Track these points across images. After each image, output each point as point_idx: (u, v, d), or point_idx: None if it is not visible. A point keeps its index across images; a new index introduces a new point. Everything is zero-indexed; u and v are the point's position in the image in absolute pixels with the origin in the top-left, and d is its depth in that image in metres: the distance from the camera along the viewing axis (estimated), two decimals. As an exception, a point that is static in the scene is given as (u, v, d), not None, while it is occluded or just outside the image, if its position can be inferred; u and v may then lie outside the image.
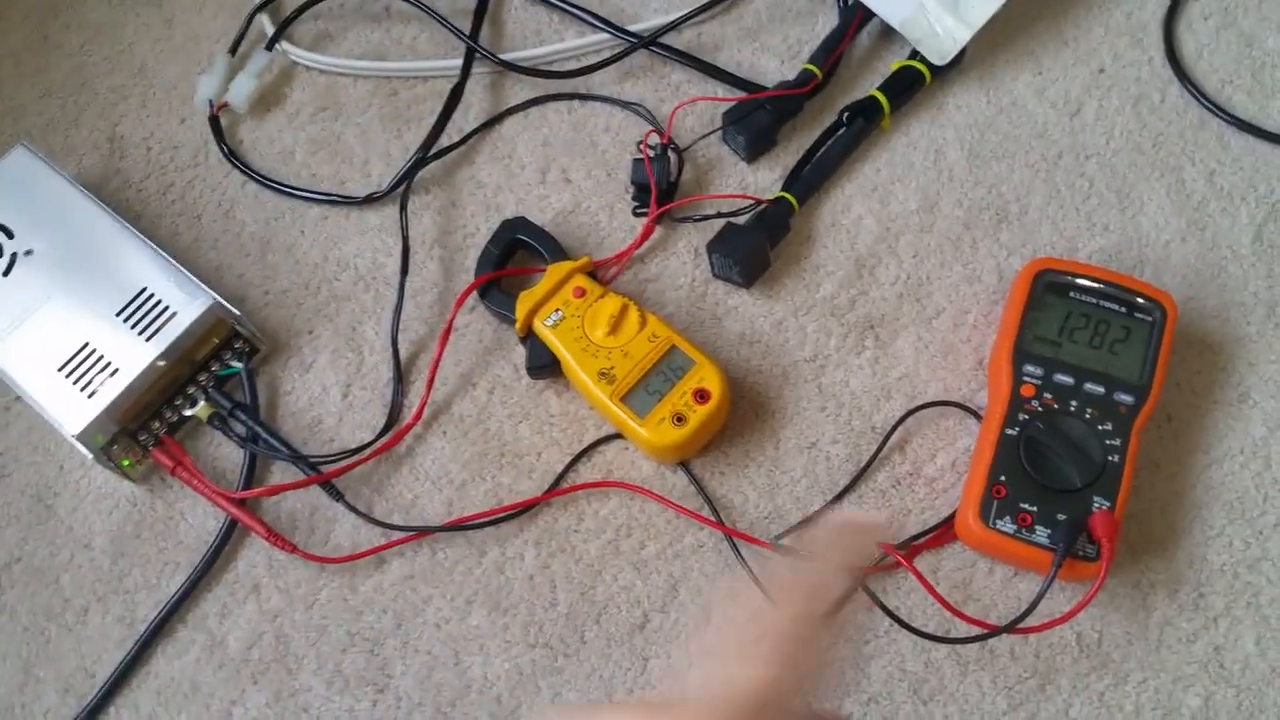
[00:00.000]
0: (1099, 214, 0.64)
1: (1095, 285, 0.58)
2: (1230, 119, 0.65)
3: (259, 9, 0.72)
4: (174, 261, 0.61)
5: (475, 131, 0.69)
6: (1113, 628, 0.54)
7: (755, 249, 0.62)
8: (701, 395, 0.57)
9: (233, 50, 0.71)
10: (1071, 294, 0.58)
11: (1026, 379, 0.56)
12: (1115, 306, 0.57)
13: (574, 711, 0.43)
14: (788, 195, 0.64)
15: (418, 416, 0.60)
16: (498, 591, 0.56)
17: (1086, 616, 0.53)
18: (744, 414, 0.60)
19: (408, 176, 0.66)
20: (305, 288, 0.65)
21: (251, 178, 0.68)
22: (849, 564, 0.39)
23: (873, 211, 0.65)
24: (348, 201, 0.67)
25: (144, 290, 0.60)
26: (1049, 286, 0.58)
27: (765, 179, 0.66)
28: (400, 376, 0.61)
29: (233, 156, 0.68)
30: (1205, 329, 0.60)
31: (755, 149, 0.67)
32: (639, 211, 0.66)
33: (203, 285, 0.60)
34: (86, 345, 0.59)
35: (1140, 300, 0.57)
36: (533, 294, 0.60)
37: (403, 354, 0.62)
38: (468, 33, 0.70)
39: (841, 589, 0.40)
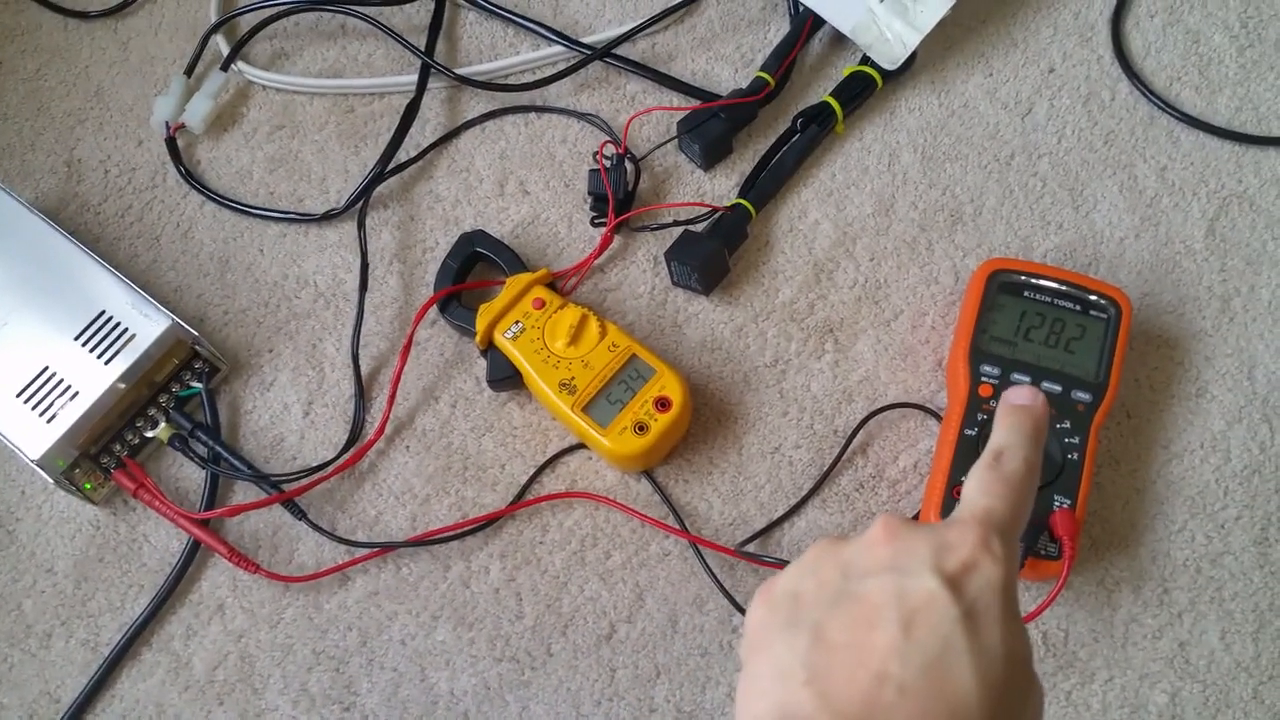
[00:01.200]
0: (1053, 213, 0.63)
1: (1049, 284, 0.57)
2: (1179, 115, 0.65)
3: (213, 30, 0.70)
4: (132, 284, 0.59)
5: (432, 146, 0.68)
6: (1078, 626, 0.53)
7: (713, 256, 0.61)
8: (663, 403, 0.56)
9: (188, 71, 0.70)
10: (1026, 293, 0.57)
11: (984, 379, 0.55)
12: (1069, 305, 0.57)
13: None
14: (744, 202, 0.63)
15: (380, 432, 0.58)
16: (463, 606, 0.55)
17: (1051, 615, 0.53)
18: (706, 421, 0.59)
19: (365, 192, 0.65)
20: (265, 306, 0.64)
21: (209, 198, 0.66)
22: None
23: (829, 216, 0.64)
24: (306, 219, 0.66)
25: (103, 313, 0.59)
26: (1003, 286, 0.57)
27: (722, 186, 0.66)
28: (362, 392, 0.60)
29: (190, 177, 0.67)
30: (1161, 324, 0.60)
31: (711, 157, 0.66)
32: (597, 222, 0.65)
33: (161, 307, 0.58)
34: (46, 369, 0.57)
35: (1094, 298, 0.56)
36: (492, 307, 0.59)
37: (364, 369, 0.61)
38: (423, 48, 0.69)
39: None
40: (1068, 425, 0.53)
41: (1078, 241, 0.62)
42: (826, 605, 0.32)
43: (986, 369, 0.55)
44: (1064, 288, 0.57)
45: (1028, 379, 0.55)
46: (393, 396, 0.59)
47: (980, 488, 0.35)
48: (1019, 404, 0.39)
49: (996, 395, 0.54)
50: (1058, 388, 0.54)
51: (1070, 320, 0.56)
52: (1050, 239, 0.63)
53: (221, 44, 0.71)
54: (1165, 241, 0.62)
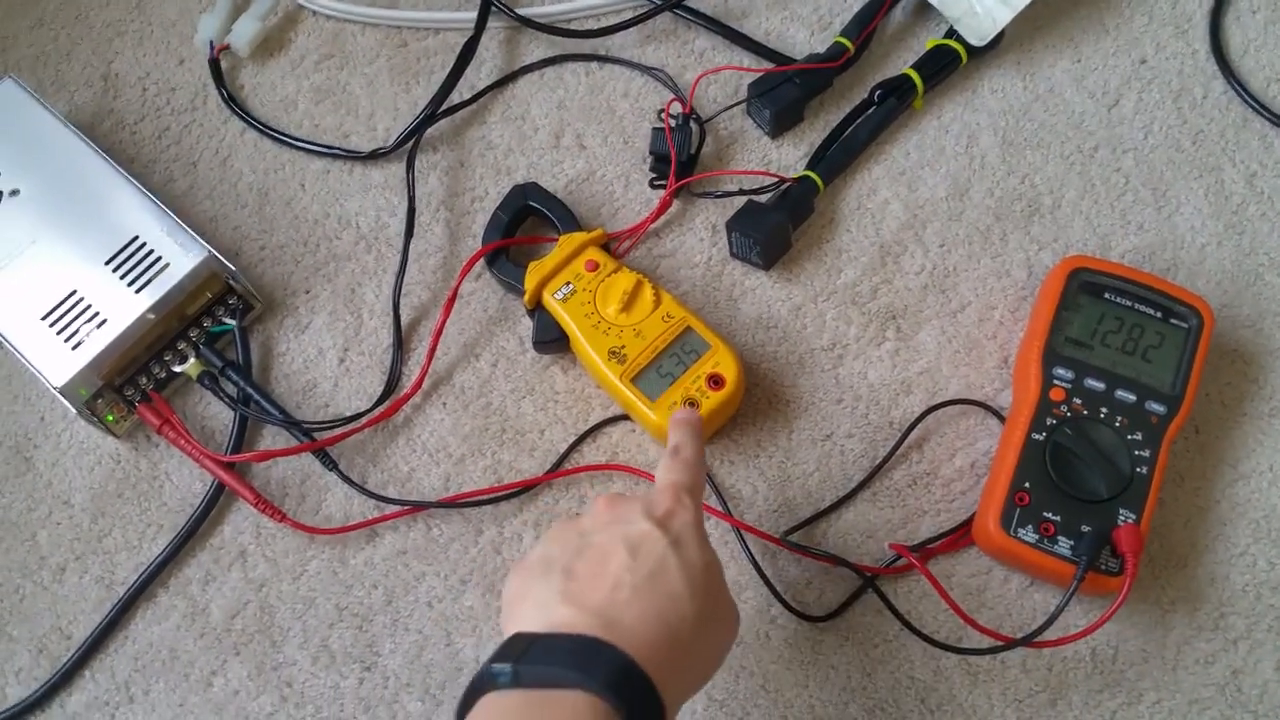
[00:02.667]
0: (1134, 212, 0.60)
1: (1132, 287, 0.54)
2: (1275, 119, 0.62)
3: (267, -54, 0.67)
4: (168, 210, 0.57)
5: (488, 89, 0.64)
6: (1129, 645, 0.51)
7: (777, 230, 0.58)
8: (716, 381, 0.54)
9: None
10: (1106, 295, 0.54)
11: (1057, 382, 0.52)
12: (1151, 311, 0.54)
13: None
14: (813, 174, 0.60)
15: (417, 386, 0.56)
16: (493, 572, 0.53)
17: (1102, 632, 0.50)
18: (757, 402, 0.56)
19: (416, 133, 0.62)
20: (304, 244, 0.61)
21: (251, 126, 0.63)
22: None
23: (900, 196, 0.61)
24: (352, 156, 0.63)
25: (136, 239, 0.56)
26: (1083, 286, 0.55)
27: (789, 155, 0.63)
28: (400, 343, 0.58)
29: (232, 102, 0.64)
30: (1238, 338, 0.57)
31: (781, 124, 0.63)
32: (656, 184, 0.62)
33: (198, 237, 0.56)
34: (73, 294, 0.55)
35: (1177, 306, 0.54)
36: (543, 265, 0.57)
37: (404, 319, 0.59)
38: (485, -16, 0.65)
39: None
40: (1139, 437, 0.51)
41: (1157, 244, 0.60)
42: (572, 555, 0.42)
43: (1060, 372, 0.53)
44: (1147, 293, 0.54)
45: (1102, 386, 0.52)
46: (433, 350, 0.56)
47: (669, 470, 0.46)
48: (682, 419, 0.49)
49: (1069, 400, 0.52)
50: (1132, 397, 0.52)
51: (1150, 327, 0.54)
52: (1129, 239, 0.60)
53: (273, -37, 0.67)
54: (1249, 252, 0.59)
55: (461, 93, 0.64)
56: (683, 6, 0.65)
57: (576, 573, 0.41)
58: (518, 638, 0.39)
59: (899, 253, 0.60)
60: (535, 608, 0.40)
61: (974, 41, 0.62)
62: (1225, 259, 0.59)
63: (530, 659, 0.37)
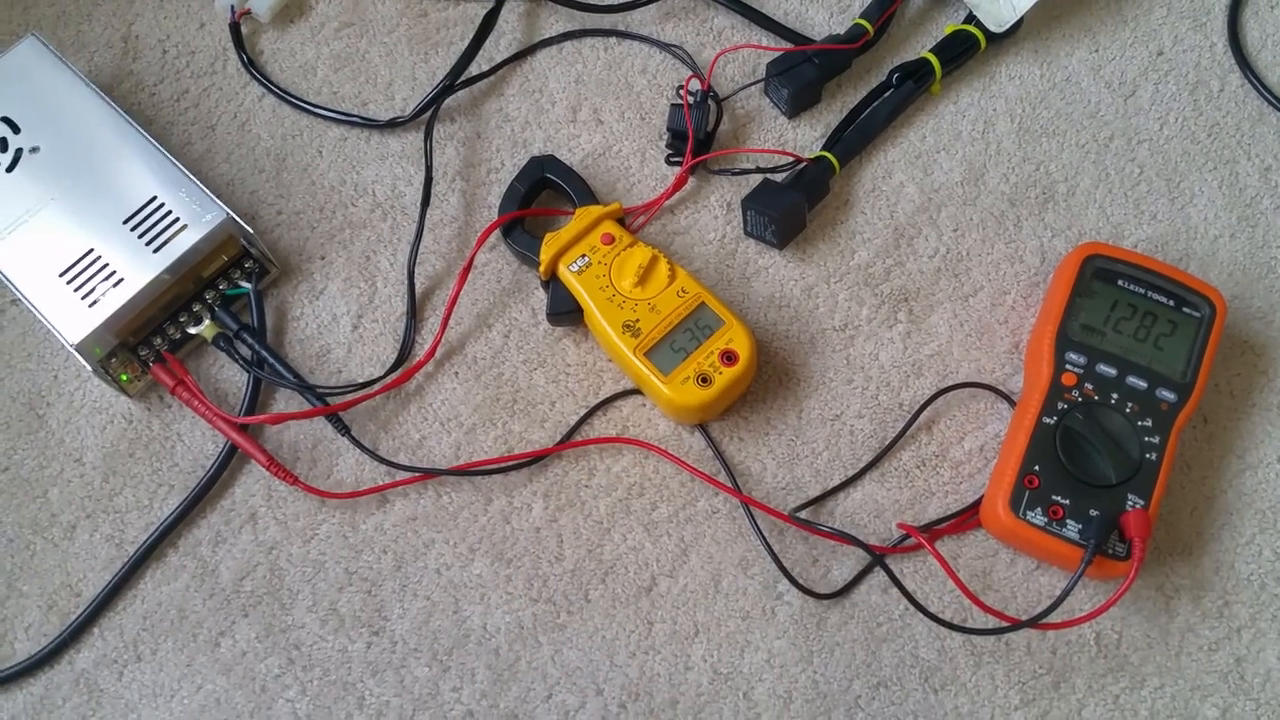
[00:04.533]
0: (1148, 202, 0.58)
1: (1146, 275, 0.52)
2: (1290, 114, 0.60)
3: (290, -88, 0.64)
4: (187, 172, 0.55)
5: (506, 62, 0.62)
6: (1133, 630, 0.49)
7: (793, 209, 0.56)
8: (729, 357, 0.52)
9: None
10: (1120, 282, 0.52)
11: (1069, 367, 0.51)
12: (1164, 299, 0.52)
13: None
14: (829, 155, 0.58)
15: (430, 354, 0.54)
16: (502, 541, 0.52)
17: (1107, 616, 0.49)
18: (768, 380, 0.54)
19: (434, 103, 0.60)
20: (320, 211, 0.59)
21: (270, 91, 0.61)
22: None
23: (915, 180, 0.59)
24: (369, 124, 0.60)
25: (154, 199, 0.54)
26: (1097, 272, 0.53)
27: (806, 136, 0.60)
28: (414, 311, 0.56)
29: (251, 67, 0.62)
30: (1249, 330, 0.55)
31: (798, 104, 0.61)
32: (673, 160, 0.60)
33: (216, 200, 0.54)
34: (90, 252, 0.53)
35: (1190, 295, 0.52)
36: (559, 236, 0.55)
37: (418, 288, 0.57)
38: (507, -44, 0.63)
39: None
40: (1149, 424, 0.49)
41: (1170, 234, 0.57)
42: None
43: (1072, 357, 0.51)
44: (1160, 281, 0.52)
45: (1114, 371, 0.50)
46: (446, 319, 0.54)
47: None
48: None
49: (1081, 385, 0.50)
50: (1143, 384, 0.50)
51: (1163, 315, 0.52)
52: (1143, 229, 0.58)
53: (296, -71, 0.65)
54: (1261, 244, 0.57)
55: (480, 64, 0.62)
56: (703, -16, 0.63)
57: None
58: None
59: (913, 236, 0.58)
60: None
61: (993, 28, 0.60)
62: (1238, 251, 0.57)
63: None
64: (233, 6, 0.62)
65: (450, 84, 0.60)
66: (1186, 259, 0.57)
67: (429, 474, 0.52)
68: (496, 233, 0.57)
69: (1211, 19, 0.63)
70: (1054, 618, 0.46)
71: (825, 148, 0.59)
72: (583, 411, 0.54)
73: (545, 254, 0.54)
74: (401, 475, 0.52)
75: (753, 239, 0.58)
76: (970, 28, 0.61)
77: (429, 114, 0.60)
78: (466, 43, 0.61)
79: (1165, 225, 0.58)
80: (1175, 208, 0.58)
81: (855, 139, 0.59)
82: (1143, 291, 0.52)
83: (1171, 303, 0.52)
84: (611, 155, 0.60)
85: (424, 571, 0.51)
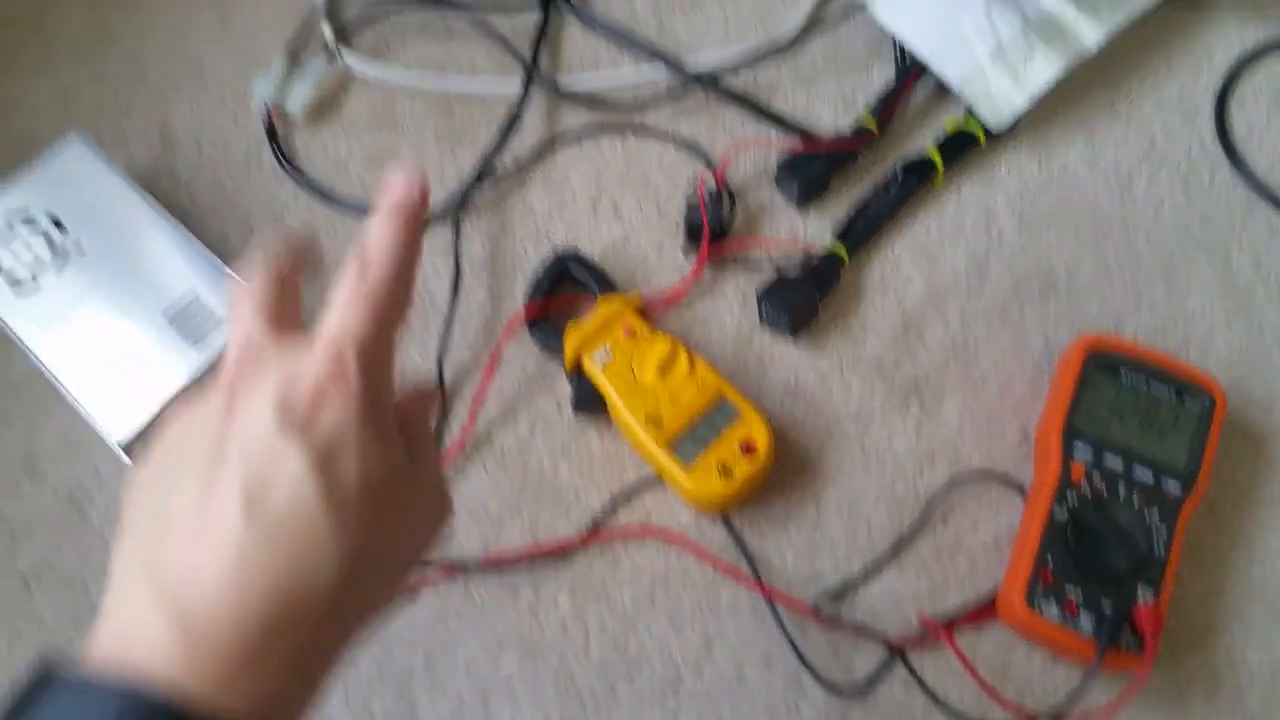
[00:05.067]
0: (1146, 291, 0.60)
1: (1146, 367, 0.53)
2: (1278, 205, 0.61)
3: (320, 17, 0.66)
4: (224, 266, 0.56)
5: (529, 157, 0.64)
6: None
7: (805, 301, 0.58)
8: (748, 448, 0.52)
9: (291, 54, 0.65)
10: (1121, 374, 0.53)
11: (1077, 459, 0.51)
12: (1164, 391, 0.53)
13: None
14: (839, 246, 0.59)
15: (460, 447, 0.55)
16: (530, 636, 0.52)
17: (1123, 712, 0.49)
18: (786, 468, 0.55)
19: (463, 198, 0.61)
20: (351, 304, 0.60)
21: (304, 186, 0.62)
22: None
23: (921, 271, 0.60)
24: (398, 219, 0.61)
25: (194, 295, 0.55)
26: (1099, 365, 0.54)
27: (816, 226, 0.62)
28: (444, 406, 0.57)
29: (286, 163, 0.63)
30: (1250, 418, 0.56)
31: (808, 196, 0.62)
32: (689, 251, 0.61)
33: (250, 297, 0.55)
34: (133, 348, 0.54)
35: (1190, 386, 0.53)
36: (582, 328, 0.56)
37: (447, 380, 0.57)
38: (528, 57, 0.65)
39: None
40: (1157, 515, 0.50)
41: (1169, 322, 0.59)
42: (174, 486, 0.29)
43: (1079, 449, 0.52)
44: (1160, 372, 0.53)
45: (1120, 463, 0.51)
46: (474, 413, 0.55)
47: (342, 302, 0.31)
48: (397, 203, 0.32)
49: (1089, 477, 0.51)
50: (1149, 475, 0.51)
51: (1164, 406, 0.53)
52: (1142, 317, 0.59)
53: (327, 31, 0.66)
54: (1258, 332, 0.58)
55: (504, 159, 0.63)
56: (714, 84, 0.64)
57: (169, 527, 0.28)
58: (41, 676, 0.27)
59: (921, 325, 0.59)
60: (116, 587, 0.29)
61: (992, 126, 0.62)
62: (1235, 339, 0.58)
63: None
64: (266, 103, 0.64)
65: (478, 179, 0.62)
66: (1186, 347, 0.58)
67: (458, 568, 0.53)
68: (521, 324, 0.58)
69: (1199, 112, 0.65)
70: (1071, 714, 0.47)
71: (835, 239, 0.60)
72: (607, 500, 0.55)
73: (569, 346, 0.55)
74: (432, 569, 0.53)
75: (768, 328, 0.59)
76: (970, 123, 0.62)
77: (457, 209, 0.61)
78: (492, 138, 0.63)
79: (1164, 313, 0.59)
80: (1173, 296, 0.59)
81: (863, 231, 0.61)
82: (1144, 383, 0.53)
83: (1172, 394, 0.53)
84: (630, 246, 0.61)
85: (454, 669, 0.51)
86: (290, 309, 0.33)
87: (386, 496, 0.29)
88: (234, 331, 0.32)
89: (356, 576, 0.28)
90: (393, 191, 0.33)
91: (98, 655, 0.28)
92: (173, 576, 0.27)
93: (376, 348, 0.30)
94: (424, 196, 0.33)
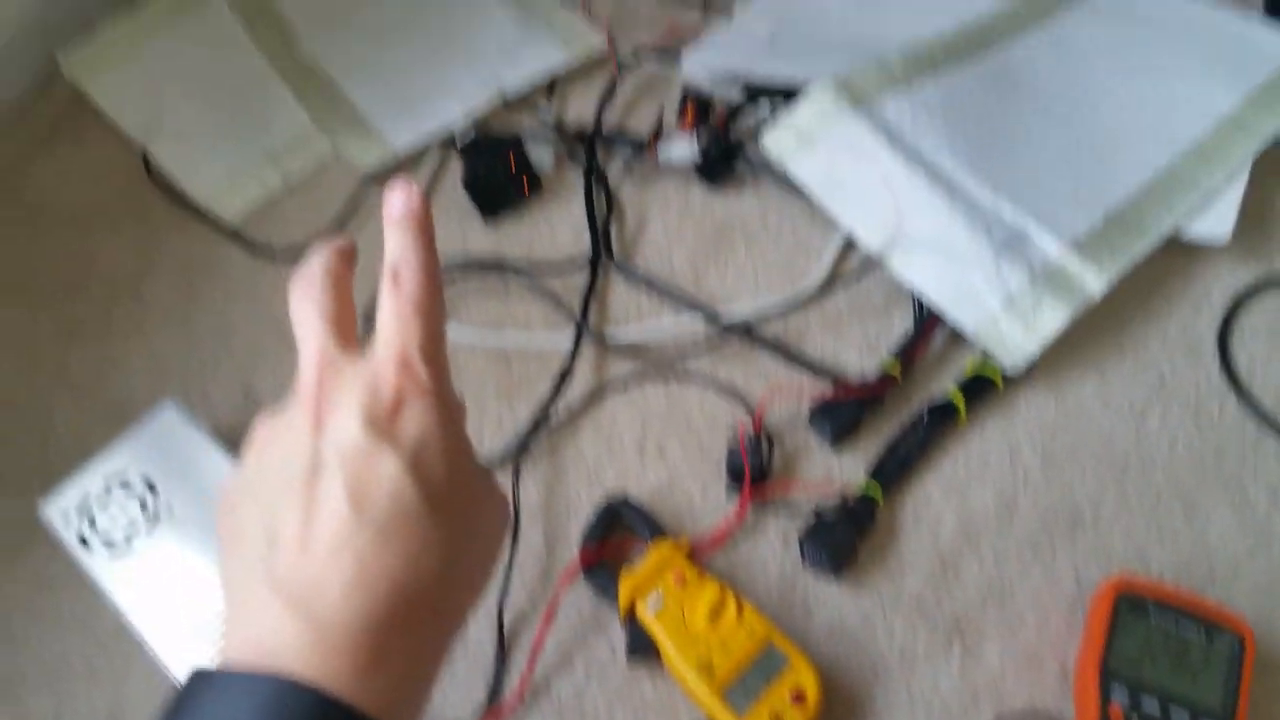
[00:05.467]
0: (1168, 525, 0.63)
1: (1174, 609, 0.56)
2: (1287, 437, 0.66)
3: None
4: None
5: (580, 405, 0.69)
6: None
7: (844, 542, 0.61)
8: (798, 697, 0.55)
9: (365, 318, 0.72)
10: (1151, 616, 0.56)
11: (1114, 701, 0.54)
12: (1194, 633, 0.56)
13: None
14: (873, 486, 0.64)
15: (519, 698, 0.58)
16: None
17: None
18: (835, 713, 0.58)
19: (521, 448, 0.66)
20: (417, 551, 0.64)
21: (373, 440, 0.68)
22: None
23: (953, 508, 0.64)
24: (461, 468, 0.67)
25: (270, 552, 0.60)
26: (1130, 607, 0.57)
27: (850, 466, 0.66)
28: (503, 654, 0.60)
29: (357, 418, 0.69)
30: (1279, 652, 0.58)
31: (840, 437, 0.67)
32: (732, 494, 0.65)
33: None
34: (218, 606, 0.58)
35: (1218, 627, 0.56)
36: (635, 575, 0.60)
37: (506, 626, 0.61)
38: (578, 313, 0.72)
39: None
40: (1199, 760, 0.52)
41: (1194, 557, 0.62)
42: (278, 499, 0.31)
43: (1117, 693, 0.54)
44: (1189, 614, 0.56)
45: (1157, 705, 0.53)
46: (533, 662, 0.59)
47: (389, 317, 0.34)
48: (401, 213, 0.36)
49: (1128, 719, 0.53)
50: (1186, 716, 0.53)
51: (1196, 648, 0.55)
52: (1166, 552, 0.62)
53: (395, 295, 0.74)
54: None
55: (557, 409, 0.69)
56: (748, 332, 0.71)
57: (281, 537, 0.30)
58: (197, 675, 0.30)
59: (957, 562, 0.62)
60: (239, 599, 0.31)
61: (1008, 369, 0.67)
62: (1259, 571, 0.61)
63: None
64: (339, 362, 0.70)
65: (534, 429, 0.67)
66: (1211, 582, 0.61)
67: (522, 818, 0.55)
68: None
69: (1203, 348, 0.70)
70: None
71: (869, 479, 0.64)
72: (662, 747, 0.57)
73: (623, 595, 0.59)
74: (496, 820, 0.55)
75: (810, 569, 0.63)
76: (988, 366, 0.68)
77: (517, 457, 0.66)
78: (546, 389, 0.68)
79: (1187, 548, 0.62)
80: (1194, 530, 0.63)
81: (895, 469, 0.65)
82: (1174, 624, 0.56)
83: (1202, 635, 0.56)
84: (676, 489, 0.66)
85: None
86: (350, 319, 0.36)
87: (468, 492, 0.32)
88: (307, 347, 0.35)
89: (454, 572, 0.31)
90: (393, 204, 0.36)
91: (238, 661, 0.30)
92: (299, 585, 0.29)
93: (436, 352, 0.34)
94: (422, 200, 0.37)
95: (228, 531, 0.33)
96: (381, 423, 0.31)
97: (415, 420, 0.31)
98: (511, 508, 0.36)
